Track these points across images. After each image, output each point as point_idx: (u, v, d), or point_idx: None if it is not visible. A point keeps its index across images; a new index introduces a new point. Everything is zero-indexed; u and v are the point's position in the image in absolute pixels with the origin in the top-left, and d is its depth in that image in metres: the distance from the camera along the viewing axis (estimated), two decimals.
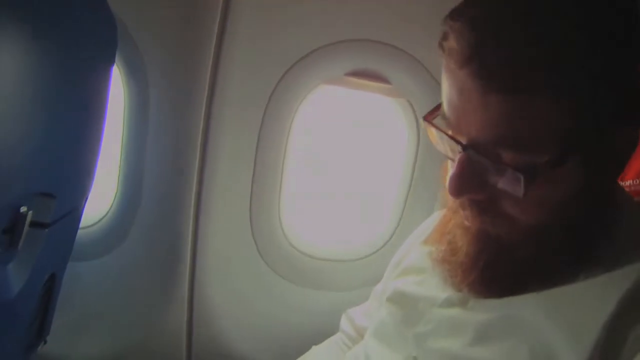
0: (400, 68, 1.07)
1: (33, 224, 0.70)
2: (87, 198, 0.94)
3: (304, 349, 0.98)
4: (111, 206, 1.11)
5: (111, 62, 0.90)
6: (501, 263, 0.60)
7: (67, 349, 1.11)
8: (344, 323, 0.97)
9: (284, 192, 1.12)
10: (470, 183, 0.55)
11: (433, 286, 0.72)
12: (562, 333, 0.54)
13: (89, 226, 1.11)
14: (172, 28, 0.99)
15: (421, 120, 1.08)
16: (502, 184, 0.53)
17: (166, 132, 1.04)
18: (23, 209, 0.67)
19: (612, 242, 0.59)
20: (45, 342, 0.93)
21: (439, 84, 1.04)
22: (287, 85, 1.03)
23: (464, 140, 0.53)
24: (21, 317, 0.81)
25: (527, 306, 0.59)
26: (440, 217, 0.85)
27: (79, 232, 0.98)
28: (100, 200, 1.11)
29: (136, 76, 1.03)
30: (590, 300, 0.56)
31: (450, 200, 0.62)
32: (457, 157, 0.54)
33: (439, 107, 0.59)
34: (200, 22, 0.98)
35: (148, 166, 1.06)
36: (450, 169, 0.59)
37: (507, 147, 0.51)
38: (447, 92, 0.55)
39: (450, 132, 0.55)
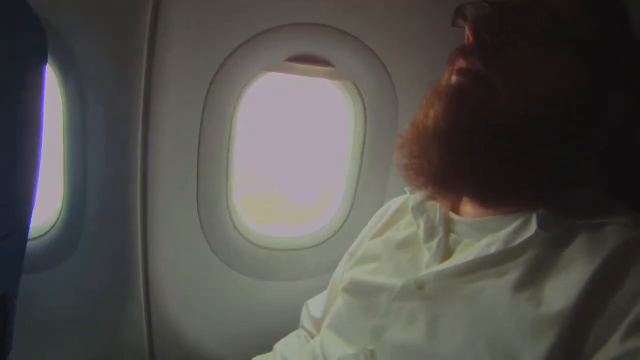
0: (342, 50, 1.05)
1: None
2: (32, 211, 0.91)
3: (268, 340, 0.98)
4: (60, 214, 1.07)
5: (41, 64, 0.85)
6: (478, 138, 0.61)
7: None
8: (304, 318, 0.98)
9: (232, 185, 1.10)
10: (496, 21, 0.61)
11: (388, 273, 0.73)
12: (521, 328, 0.54)
13: (39, 237, 1.07)
14: (103, 24, 0.94)
15: (368, 99, 1.10)
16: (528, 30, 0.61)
17: (106, 133, 1.00)
18: None
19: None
20: None
21: (382, 62, 1.05)
22: (225, 75, 1.00)
23: None
24: None
25: (485, 293, 0.59)
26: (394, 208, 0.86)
27: (31, 244, 0.95)
28: (49, 209, 1.08)
29: (70, 78, 0.98)
30: (559, 281, 0.55)
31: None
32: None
33: None
34: (131, 15, 0.93)
35: (91, 171, 1.02)
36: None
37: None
38: None
39: None
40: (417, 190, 0.74)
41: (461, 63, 0.63)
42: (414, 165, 0.67)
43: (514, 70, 0.60)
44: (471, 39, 0.62)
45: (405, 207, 0.83)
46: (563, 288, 0.54)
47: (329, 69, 1.07)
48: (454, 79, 0.64)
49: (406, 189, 0.81)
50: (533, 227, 0.59)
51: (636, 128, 0.66)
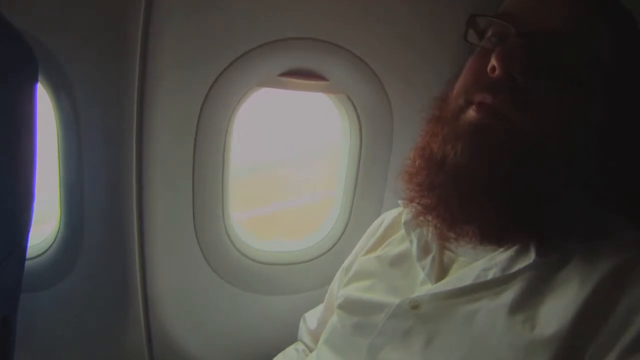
0: (336, 63, 1.04)
1: None
2: (29, 232, 0.91)
3: (267, 353, 1.00)
4: (57, 232, 1.07)
5: (31, 83, 0.85)
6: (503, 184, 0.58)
7: None
8: (301, 331, 0.98)
9: (228, 201, 1.10)
10: (528, 59, 0.58)
11: (383, 291, 0.72)
12: (515, 350, 0.54)
13: (37, 256, 1.08)
14: (95, 42, 0.94)
15: (362, 112, 1.09)
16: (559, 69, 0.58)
17: (100, 151, 1.00)
18: None
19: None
20: None
21: (377, 75, 1.05)
22: (218, 91, 0.99)
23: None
24: None
25: (481, 314, 0.59)
26: (387, 222, 0.86)
27: (29, 263, 0.95)
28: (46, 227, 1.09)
29: (63, 96, 0.98)
30: (554, 303, 0.55)
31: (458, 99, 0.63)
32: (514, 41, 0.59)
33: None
34: (123, 31, 0.93)
35: (87, 188, 1.02)
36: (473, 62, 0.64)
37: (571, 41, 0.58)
38: None
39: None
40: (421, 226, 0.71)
41: (485, 98, 0.60)
42: (425, 201, 0.66)
43: (541, 111, 0.58)
44: (499, 74, 0.58)
45: (398, 221, 0.82)
46: (557, 310, 0.54)
47: (322, 82, 1.06)
48: (475, 114, 0.60)
49: (400, 201, 0.80)
50: (531, 255, 0.59)
51: (633, 134, 0.65)
